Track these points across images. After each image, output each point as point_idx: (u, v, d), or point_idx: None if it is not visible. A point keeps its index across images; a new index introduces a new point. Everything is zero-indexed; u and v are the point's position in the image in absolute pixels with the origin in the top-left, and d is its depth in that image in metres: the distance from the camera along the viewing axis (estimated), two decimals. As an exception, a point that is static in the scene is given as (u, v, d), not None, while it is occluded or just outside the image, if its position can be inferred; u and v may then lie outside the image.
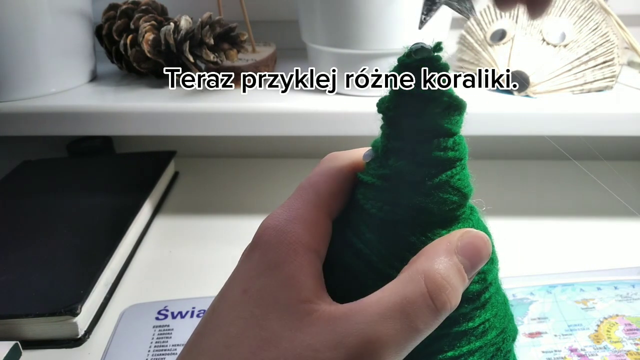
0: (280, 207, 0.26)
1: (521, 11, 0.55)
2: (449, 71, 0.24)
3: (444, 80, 0.24)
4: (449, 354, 0.25)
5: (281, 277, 0.23)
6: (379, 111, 0.26)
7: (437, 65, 0.24)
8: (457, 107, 0.24)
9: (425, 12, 0.24)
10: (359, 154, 0.28)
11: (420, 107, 0.24)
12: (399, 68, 0.24)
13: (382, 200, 0.25)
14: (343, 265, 0.26)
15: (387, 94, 0.25)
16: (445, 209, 0.25)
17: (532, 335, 0.41)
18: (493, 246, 0.26)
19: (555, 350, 0.39)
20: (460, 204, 0.25)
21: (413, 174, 0.24)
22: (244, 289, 0.23)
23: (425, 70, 0.23)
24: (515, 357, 0.28)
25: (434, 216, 0.25)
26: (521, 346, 0.40)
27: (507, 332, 0.27)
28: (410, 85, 0.24)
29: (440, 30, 0.53)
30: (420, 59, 0.24)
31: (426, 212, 0.24)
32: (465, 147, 0.25)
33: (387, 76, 0.25)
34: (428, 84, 0.23)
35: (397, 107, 0.24)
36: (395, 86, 0.24)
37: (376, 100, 0.26)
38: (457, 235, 0.24)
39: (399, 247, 0.25)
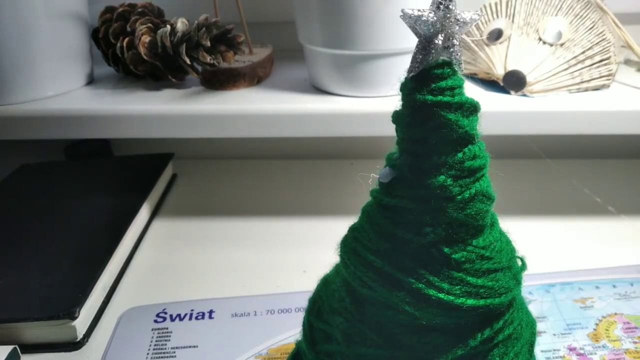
0: None
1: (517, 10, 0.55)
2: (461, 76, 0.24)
3: (461, 87, 0.23)
4: None
5: None
6: (399, 126, 0.25)
7: (455, 71, 0.23)
8: (478, 110, 0.24)
9: (419, 58, 0.23)
10: None
11: (451, 119, 0.23)
12: (420, 79, 0.23)
13: (419, 222, 0.24)
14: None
15: (405, 108, 0.24)
16: (478, 218, 0.24)
17: (531, 334, 0.41)
18: (521, 264, 0.25)
19: (554, 350, 0.39)
20: (488, 210, 0.25)
21: (450, 189, 0.24)
22: None
23: (448, 79, 0.23)
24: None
25: (469, 228, 0.24)
26: (520, 345, 0.40)
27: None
28: (438, 97, 0.23)
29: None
30: (437, 66, 0.23)
31: (463, 226, 0.24)
32: (485, 151, 0.25)
33: (405, 89, 0.24)
34: (454, 93, 0.23)
35: (425, 121, 0.24)
36: (420, 100, 0.23)
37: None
38: None
39: (444, 267, 0.24)
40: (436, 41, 0.23)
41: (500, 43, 0.54)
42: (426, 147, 0.24)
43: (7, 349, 0.40)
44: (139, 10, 0.60)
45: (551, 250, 0.52)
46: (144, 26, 0.58)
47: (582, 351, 0.39)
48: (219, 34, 0.56)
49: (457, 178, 0.24)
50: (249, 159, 0.75)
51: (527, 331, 0.27)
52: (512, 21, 0.55)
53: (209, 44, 0.55)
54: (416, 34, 0.23)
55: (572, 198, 0.61)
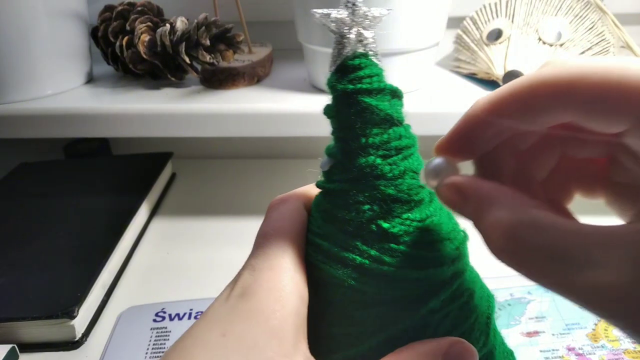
0: (256, 256, 0.25)
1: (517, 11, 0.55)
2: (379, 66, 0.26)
3: (379, 75, 0.26)
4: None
5: (267, 327, 0.23)
6: (329, 117, 0.27)
7: (372, 61, 0.25)
8: (399, 95, 0.26)
9: (336, 52, 0.26)
10: (306, 190, 0.29)
11: (371, 103, 0.25)
12: (340, 72, 0.26)
13: (356, 202, 0.26)
14: (328, 280, 0.26)
15: (332, 100, 0.26)
16: (411, 194, 0.26)
17: (529, 334, 0.41)
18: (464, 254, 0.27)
19: (553, 350, 0.39)
20: (421, 186, 0.26)
21: (380, 168, 0.25)
22: (223, 333, 0.23)
23: (365, 68, 0.25)
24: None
25: (404, 203, 0.26)
26: (519, 345, 0.40)
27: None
28: (357, 85, 0.25)
29: (437, 29, 0.53)
30: (352, 57, 0.25)
31: (398, 201, 0.26)
32: (412, 132, 0.27)
33: (329, 82, 0.26)
34: (372, 80, 0.25)
35: (349, 108, 0.26)
36: (342, 89, 0.26)
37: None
38: (446, 342, 0.24)
39: (384, 241, 0.25)
40: (349, 36, 0.25)
41: (499, 43, 0.54)
42: (354, 132, 0.26)
43: (5, 348, 0.40)
44: (139, 9, 0.60)
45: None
46: (144, 25, 0.58)
47: (581, 351, 0.39)
48: (218, 33, 0.56)
49: (385, 157, 0.26)
50: (248, 158, 0.75)
51: (482, 303, 0.28)
52: (512, 21, 0.55)
53: (208, 43, 0.55)
54: (329, 30, 0.26)
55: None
